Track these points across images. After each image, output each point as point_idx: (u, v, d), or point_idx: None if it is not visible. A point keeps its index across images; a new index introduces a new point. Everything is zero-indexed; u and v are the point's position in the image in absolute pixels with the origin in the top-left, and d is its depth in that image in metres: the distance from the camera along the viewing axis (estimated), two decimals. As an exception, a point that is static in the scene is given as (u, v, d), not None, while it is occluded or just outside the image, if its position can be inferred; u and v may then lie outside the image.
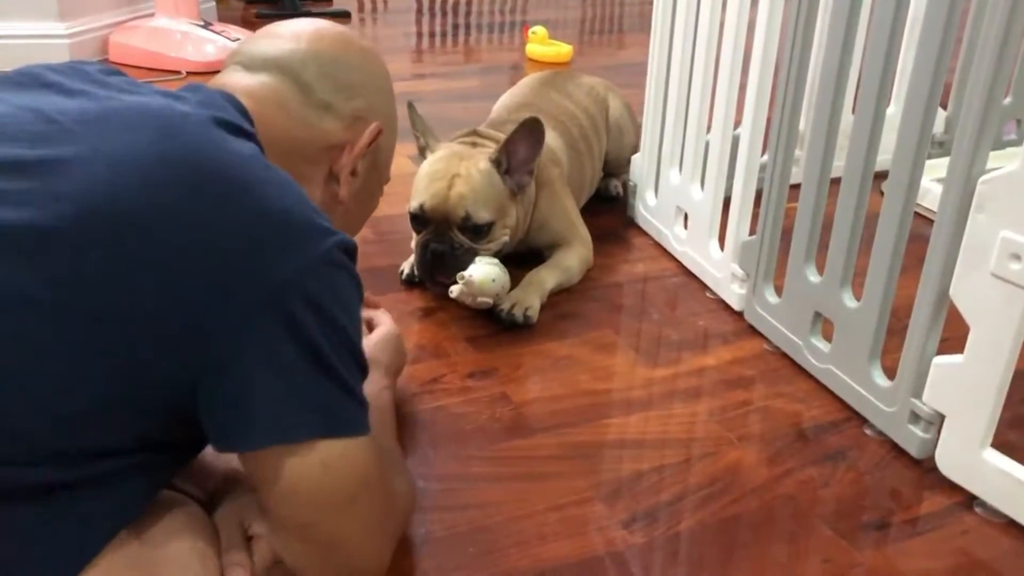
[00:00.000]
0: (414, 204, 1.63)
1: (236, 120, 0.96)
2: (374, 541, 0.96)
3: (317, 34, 1.09)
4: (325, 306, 0.86)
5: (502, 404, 1.42)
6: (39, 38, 3.04)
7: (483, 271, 1.58)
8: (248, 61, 1.06)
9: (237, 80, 1.04)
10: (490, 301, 1.60)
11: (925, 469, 1.30)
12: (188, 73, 3.08)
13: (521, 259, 1.77)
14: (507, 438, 1.34)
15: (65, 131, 0.84)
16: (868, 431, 1.38)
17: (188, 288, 0.81)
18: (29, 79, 0.92)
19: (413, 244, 1.69)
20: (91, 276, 0.78)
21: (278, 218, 0.87)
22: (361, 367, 0.93)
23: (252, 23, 3.91)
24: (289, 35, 1.08)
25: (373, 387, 1.18)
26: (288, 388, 0.85)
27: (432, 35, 4.05)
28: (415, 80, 3.23)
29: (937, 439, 1.28)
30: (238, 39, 3.24)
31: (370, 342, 1.29)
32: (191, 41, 3.17)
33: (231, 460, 1.06)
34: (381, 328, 1.33)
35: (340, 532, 0.92)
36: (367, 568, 0.97)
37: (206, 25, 3.27)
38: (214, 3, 3.85)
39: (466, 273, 1.56)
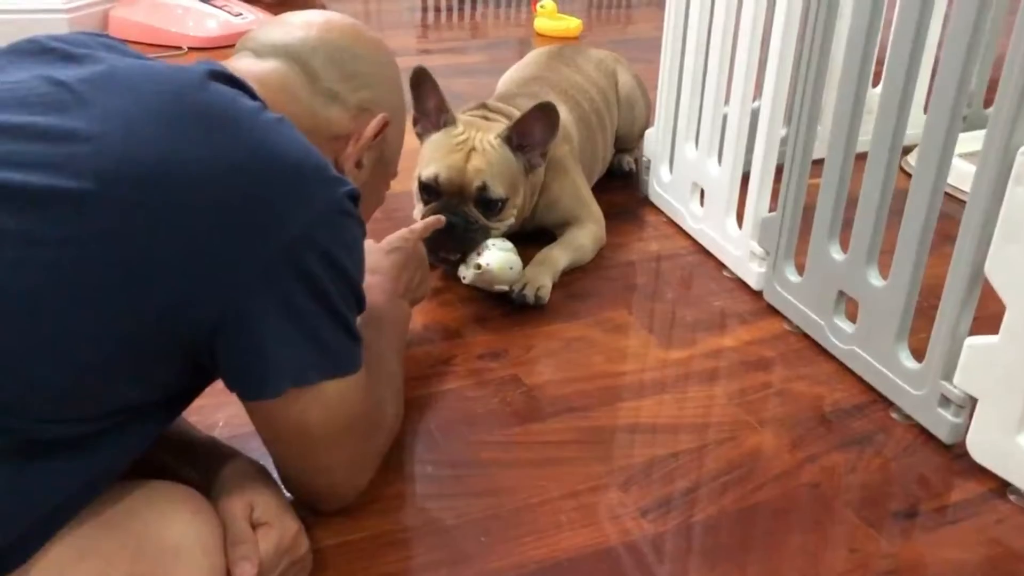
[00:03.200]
0: (427, 173, 1.57)
1: (234, 75, 0.97)
2: (357, 467, 1.06)
3: (328, 24, 1.10)
4: (335, 255, 0.91)
5: (513, 387, 1.37)
6: (38, 12, 2.98)
7: (500, 258, 1.53)
8: (258, 47, 1.07)
9: (246, 65, 1.04)
10: (506, 288, 1.55)
11: (955, 455, 1.25)
12: (190, 49, 3.02)
13: (531, 238, 1.72)
14: (519, 422, 1.30)
15: (74, 94, 0.85)
16: (895, 415, 1.33)
17: (210, 239, 0.84)
18: (33, 46, 0.95)
19: (416, 215, 1.62)
20: (114, 231, 0.80)
21: (292, 167, 0.90)
22: (360, 305, 0.99)
23: (255, -2, 3.84)
24: (300, 23, 1.09)
25: (385, 295, 1.26)
26: (303, 334, 0.90)
27: (438, 10, 3.98)
28: (421, 56, 3.17)
29: (968, 423, 1.22)
30: (240, 14, 3.18)
31: (394, 264, 1.31)
32: (192, 16, 3.10)
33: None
34: (403, 251, 1.34)
35: (329, 461, 1.01)
36: (347, 492, 1.08)
37: (207, 0, 3.20)
38: (216, -23, 3.77)
39: (482, 261, 1.51)
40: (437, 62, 3.06)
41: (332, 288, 0.92)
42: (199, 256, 0.83)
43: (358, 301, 0.98)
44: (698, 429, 1.30)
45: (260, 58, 1.05)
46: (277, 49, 1.05)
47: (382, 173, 1.19)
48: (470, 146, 1.57)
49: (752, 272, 1.64)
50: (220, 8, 3.17)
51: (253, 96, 0.97)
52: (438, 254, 1.56)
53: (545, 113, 1.58)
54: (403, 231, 1.39)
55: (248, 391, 0.92)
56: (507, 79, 2.03)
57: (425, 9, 3.98)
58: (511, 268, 1.54)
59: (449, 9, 4.00)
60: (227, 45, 3.04)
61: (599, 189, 1.92)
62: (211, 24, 3.10)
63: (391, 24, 3.67)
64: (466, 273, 1.54)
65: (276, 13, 3.36)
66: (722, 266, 1.74)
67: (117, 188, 0.81)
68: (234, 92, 0.93)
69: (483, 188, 1.55)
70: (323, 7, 3.79)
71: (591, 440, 1.26)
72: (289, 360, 0.90)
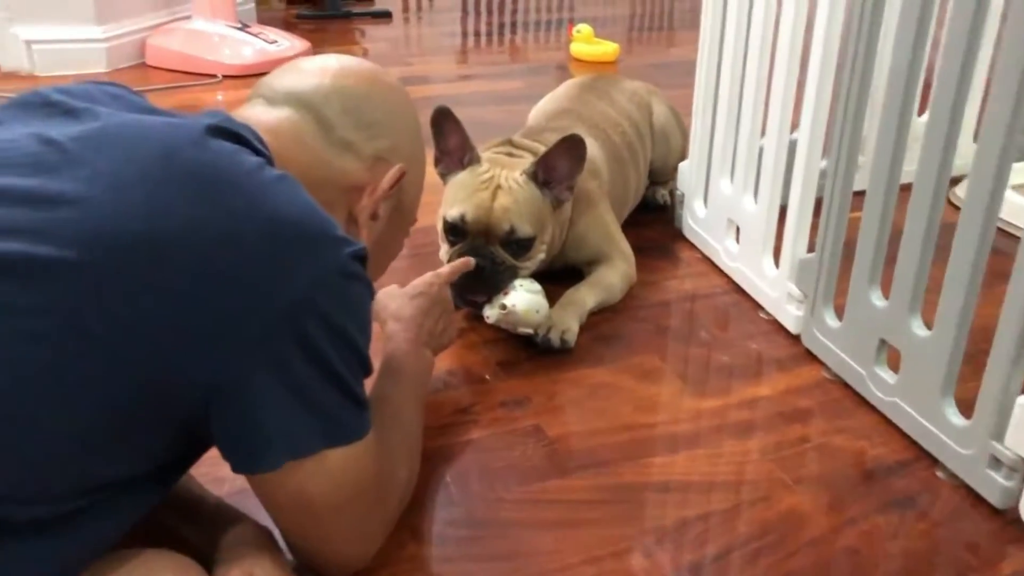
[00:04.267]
0: (453, 213, 1.52)
1: (237, 129, 0.92)
2: (365, 537, 1.00)
3: (343, 70, 1.05)
4: (337, 320, 0.87)
5: (535, 439, 1.30)
6: (76, 42, 3.01)
7: (526, 300, 1.47)
8: (271, 94, 1.02)
9: (258, 114, 1.00)
10: (531, 331, 1.49)
11: (1008, 520, 1.16)
12: (224, 77, 3.02)
13: (558, 276, 1.66)
14: (540, 478, 1.23)
15: (64, 153, 0.82)
16: (940, 474, 1.24)
17: (201, 305, 0.80)
18: (36, 99, 0.91)
19: (442, 256, 1.57)
20: (97, 300, 0.76)
21: (291, 228, 0.86)
22: (366, 370, 0.94)
23: (292, 24, 3.84)
24: (315, 70, 1.04)
25: (407, 343, 1.23)
26: (300, 403, 0.85)
27: (477, 34, 3.95)
28: (460, 82, 3.13)
29: (1022, 488, 1.13)
30: (275, 41, 3.18)
31: (417, 310, 1.28)
32: (228, 44, 3.10)
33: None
34: (428, 297, 1.31)
35: (334, 532, 0.95)
36: (356, 560, 1.01)
37: (243, 27, 3.21)
38: (253, 5, 3.79)
39: (508, 302, 1.46)
40: (473, 88, 3.03)
41: (333, 354, 0.87)
42: (188, 324, 0.79)
43: (363, 366, 0.93)
44: (731, 488, 1.22)
45: (272, 106, 1.01)
46: (290, 97, 1.01)
47: (399, 222, 1.13)
48: (496, 184, 1.51)
49: (790, 315, 1.56)
50: (256, 36, 3.17)
51: (257, 151, 0.92)
52: (464, 297, 1.51)
53: (572, 146, 1.52)
54: (428, 275, 1.34)
55: (243, 464, 0.87)
56: (537, 111, 1.97)
57: (465, 34, 3.96)
58: (537, 312, 1.48)
59: (488, 34, 3.97)
60: (262, 73, 3.01)
61: (632, 223, 1.86)
62: (247, 52, 3.10)
63: (432, 50, 3.65)
64: (491, 313, 1.48)
65: (313, 41, 3.37)
66: (759, 307, 1.66)
67: (100, 255, 0.76)
68: (234, 148, 0.88)
69: (511, 230, 1.49)
70: (362, 33, 3.79)
71: (616, 499, 1.20)
72: (286, 430, 0.86)
